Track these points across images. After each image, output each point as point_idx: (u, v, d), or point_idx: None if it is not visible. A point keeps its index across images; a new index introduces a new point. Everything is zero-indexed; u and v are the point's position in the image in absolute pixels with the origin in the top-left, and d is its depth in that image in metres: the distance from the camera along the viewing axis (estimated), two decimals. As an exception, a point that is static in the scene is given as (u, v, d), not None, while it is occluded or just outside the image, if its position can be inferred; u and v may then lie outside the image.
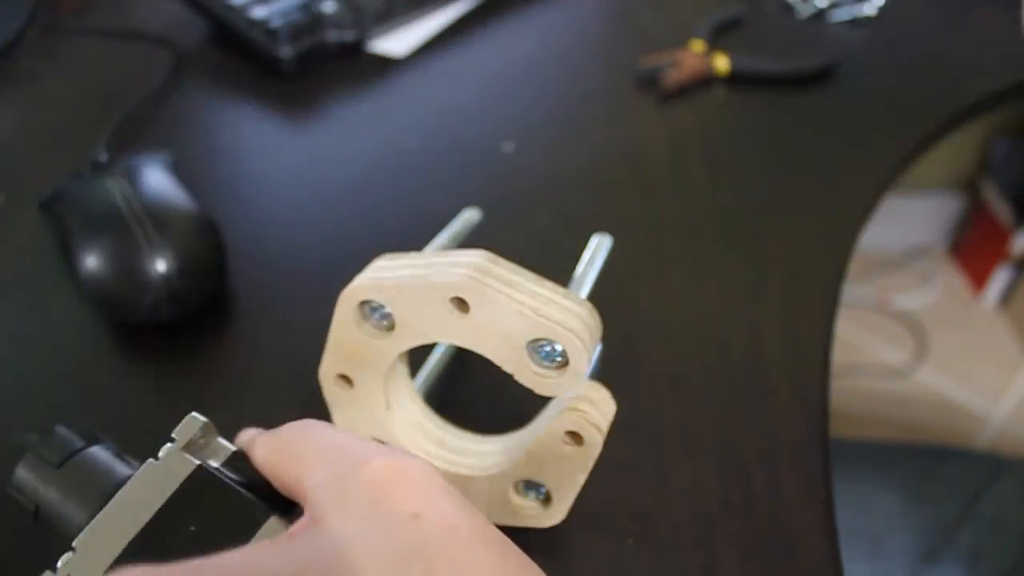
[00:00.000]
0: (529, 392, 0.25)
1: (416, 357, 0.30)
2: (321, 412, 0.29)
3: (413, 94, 0.52)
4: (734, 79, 0.54)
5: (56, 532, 0.22)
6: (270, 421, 0.24)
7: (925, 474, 0.53)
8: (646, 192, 0.45)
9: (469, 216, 0.31)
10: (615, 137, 0.49)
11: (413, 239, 0.39)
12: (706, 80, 0.53)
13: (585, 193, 0.45)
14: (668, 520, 0.30)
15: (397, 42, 0.56)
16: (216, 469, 0.22)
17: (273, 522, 0.21)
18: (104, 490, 0.22)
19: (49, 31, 0.56)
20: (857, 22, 0.60)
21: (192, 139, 0.48)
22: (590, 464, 0.26)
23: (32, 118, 0.49)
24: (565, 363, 0.24)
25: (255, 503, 0.21)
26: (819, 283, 0.40)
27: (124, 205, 0.36)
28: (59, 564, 0.20)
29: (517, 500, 0.28)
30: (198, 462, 0.22)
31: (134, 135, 0.47)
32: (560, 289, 0.25)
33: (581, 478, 0.27)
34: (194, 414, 0.22)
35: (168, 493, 0.21)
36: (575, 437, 0.26)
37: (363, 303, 0.26)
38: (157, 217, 0.36)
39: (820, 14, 0.60)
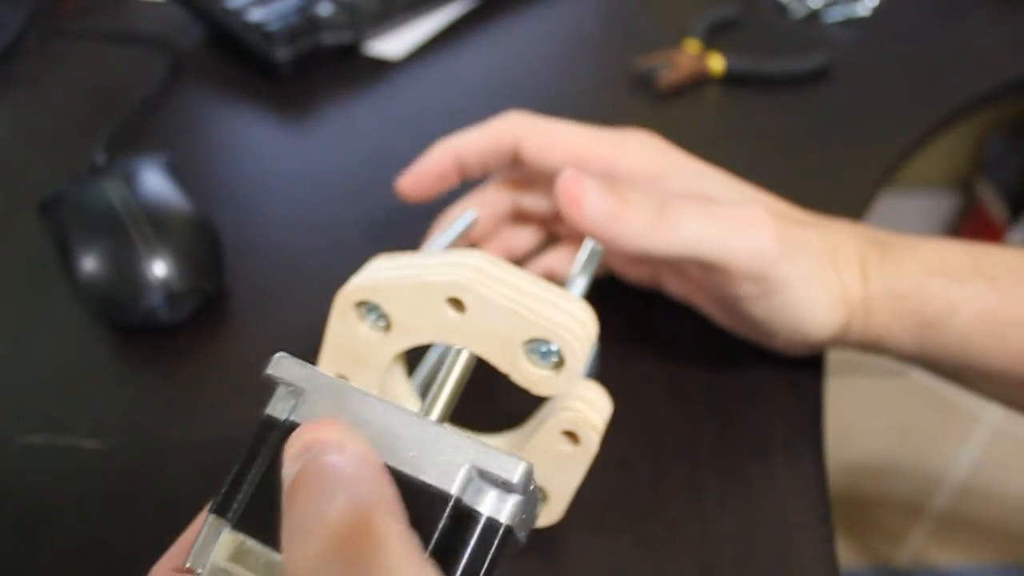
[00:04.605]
0: (526, 392, 0.25)
1: (413, 356, 0.30)
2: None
3: (409, 96, 0.52)
4: (729, 79, 0.54)
5: None
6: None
7: None
8: (642, 192, 0.45)
9: (466, 217, 0.32)
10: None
11: (410, 240, 0.39)
12: (701, 80, 0.54)
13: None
14: (665, 519, 0.30)
15: (393, 44, 0.56)
16: None
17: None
18: None
19: (48, 34, 0.56)
20: (851, 22, 0.60)
21: (190, 141, 0.48)
22: (587, 463, 0.26)
23: (30, 120, 0.49)
24: (561, 363, 0.24)
25: None
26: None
27: (122, 207, 0.36)
28: None
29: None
30: None
31: (132, 137, 0.47)
32: (556, 289, 0.25)
33: (578, 478, 0.27)
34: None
35: None
36: (571, 437, 0.26)
37: (360, 303, 0.26)
38: (155, 219, 0.36)
39: (814, 14, 0.61)
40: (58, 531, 0.29)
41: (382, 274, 0.26)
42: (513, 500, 0.18)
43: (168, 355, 0.36)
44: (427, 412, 0.21)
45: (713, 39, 0.57)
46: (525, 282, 0.25)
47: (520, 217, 0.39)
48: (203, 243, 0.37)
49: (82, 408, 0.33)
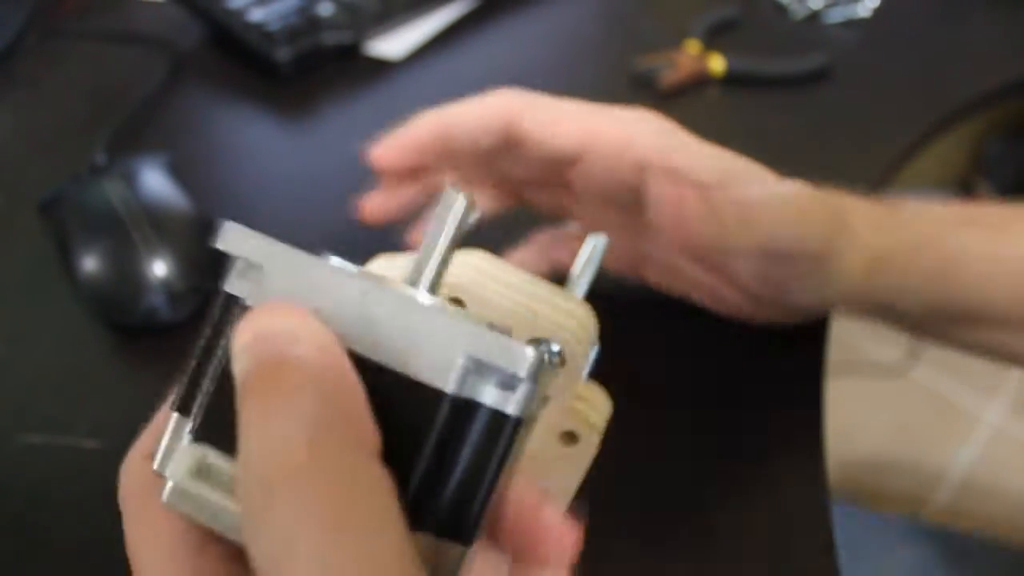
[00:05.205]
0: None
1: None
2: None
3: (410, 96, 0.52)
4: (729, 80, 0.54)
5: None
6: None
7: None
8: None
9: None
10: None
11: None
12: (701, 81, 0.54)
13: (581, 194, 0.45)
14: (665, 518, 0.30)
15: (394, 44, 0.56)
16: None
17: None
18: None
19: (48, 34, 0.56)
20: (851, 23, 0.60)
21: (190, 141, 0.48)
22: (587, 464, 0.26)
23: (31, 120, 0.49)
24: (562, 363, 0.24)
25: None
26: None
27: (122, 207, 0.36)
28: None
29: (514, 499, 0.28)
30: None
31: (133, 137, 0.47)
32: (556, 289, 0.25)
33: (578, 478, 0.27)
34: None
35: None
36: (571, 437, 0.26)
37: None
38: (155, 219, 0.36)
39: (814, 15, 0.61)
40: (58, 531, 0.29)
41: (382, 274, 0.26)
42: (523, 388, 0.16)
43: (168, 355, 0.36)
44: (416, 276, 0.18)
45: (713, 39, 0.56)
46: (524, 282, 0.25)
47: (487, 181, 0.36)
48: (203, 243, 0.37)
49: (82, 408, 0.33)
